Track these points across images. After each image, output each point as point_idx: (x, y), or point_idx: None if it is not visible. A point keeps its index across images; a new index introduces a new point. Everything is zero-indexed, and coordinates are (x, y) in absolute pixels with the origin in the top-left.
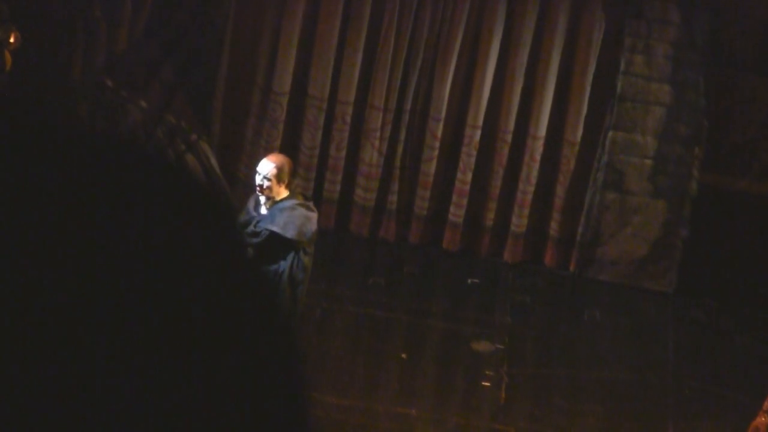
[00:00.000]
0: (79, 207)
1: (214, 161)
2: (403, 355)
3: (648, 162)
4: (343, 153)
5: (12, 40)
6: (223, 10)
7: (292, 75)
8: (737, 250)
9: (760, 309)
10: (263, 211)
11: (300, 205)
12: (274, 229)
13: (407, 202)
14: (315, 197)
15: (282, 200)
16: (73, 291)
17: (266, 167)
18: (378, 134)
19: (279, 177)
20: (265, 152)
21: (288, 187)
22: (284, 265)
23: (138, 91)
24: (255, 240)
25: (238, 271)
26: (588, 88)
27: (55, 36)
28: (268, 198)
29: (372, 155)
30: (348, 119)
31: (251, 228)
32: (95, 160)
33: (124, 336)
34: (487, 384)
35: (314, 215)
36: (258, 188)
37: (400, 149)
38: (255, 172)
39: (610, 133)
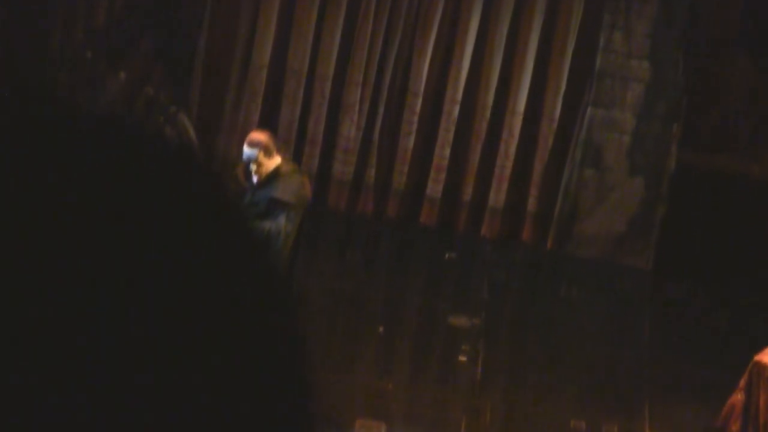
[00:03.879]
0: (62, 184)
1: (192, 134)
2: (380, 330)
3: (626, 139)
4: (322, 127)
5: None
6: None
7: (272, 48)
8: (714, 228)
9: (736, 287)
10: (255, 180)
11: (294, 171)
12: (275, 195)
13: (385, 177)
14: None
15: (276, 168)
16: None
17: (251, 152)
18: (356, 109)
19: (267, 154)
20: (244, 126)
21: (278, 153)
22: (272, 224)
23: (117, 64)
24: (254, 210)
25: (241, 244)
26: (567, 65)
27: (33, 7)
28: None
29: (350, 130)
30: (327, 93)
31: (248, 198)
32: (78, 135)
33: (117, 317)
34: (464, 359)
35: (307, 181)
36: (254, 174)
37: (378, 124)
38: (235, 146)
39: (589, 110)
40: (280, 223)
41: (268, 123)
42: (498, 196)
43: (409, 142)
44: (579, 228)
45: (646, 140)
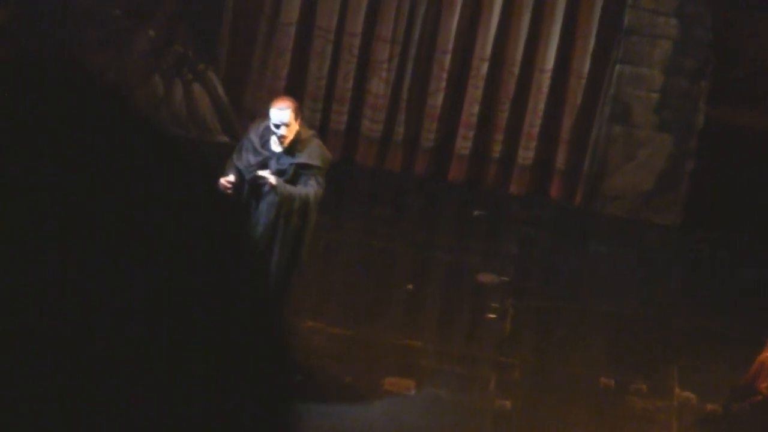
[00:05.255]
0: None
1: (221, 91)
2: (409, 287)
3: (654, 95)
4: (350, 84)
5: None
6: None
7: (300, 6)
8: (742, 183)
9: (765, 242)
10: (276, 148)
11: (313, 135)
12: (302, 160)
13: (414, 134)
14: (321, 128)
15: (297, 134)
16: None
17: (283, 114)
18: (385, 66)
19: (297, 116)
20: (272, 83)
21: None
22: (304, 190)
23: (145, 20)
24: (282, 178)
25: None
26: (596, 22)
27: None
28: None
29: (379, 86)
30: (355, 51)
31: (274, 166)
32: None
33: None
34: (492, 316)
35: (323, 144)
36: (280, 139)
37: (407, 81)
38: (262, 104)
39: (617, 67)
40: (312, 187)
41: (295, 80)
42: (526, 152)
43: (437, 98)
44: (607, 184)
45: (674, 97)
